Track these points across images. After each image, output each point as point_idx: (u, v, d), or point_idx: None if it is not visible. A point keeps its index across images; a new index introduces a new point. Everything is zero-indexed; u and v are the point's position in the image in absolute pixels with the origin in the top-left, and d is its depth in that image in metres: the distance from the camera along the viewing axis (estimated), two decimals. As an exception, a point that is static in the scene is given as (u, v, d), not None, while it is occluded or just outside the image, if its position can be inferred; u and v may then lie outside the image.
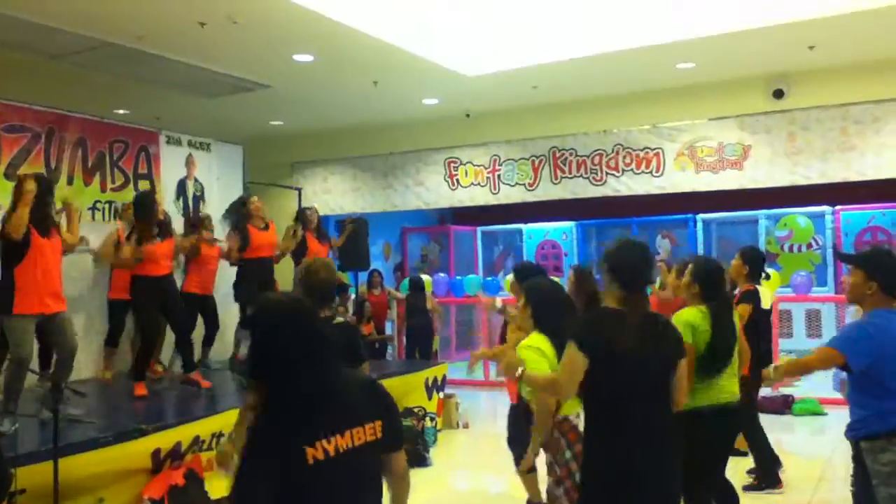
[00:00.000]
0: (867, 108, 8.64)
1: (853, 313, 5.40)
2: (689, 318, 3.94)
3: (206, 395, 6.31)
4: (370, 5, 6.85)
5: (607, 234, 13.84)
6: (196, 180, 8.80)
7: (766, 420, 5.98)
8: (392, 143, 11.44)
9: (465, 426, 8.09)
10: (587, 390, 2.98)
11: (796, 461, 6.23)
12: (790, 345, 10.27)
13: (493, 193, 10.89)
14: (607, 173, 10.08)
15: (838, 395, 6.87)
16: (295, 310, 2.22)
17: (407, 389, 7.38)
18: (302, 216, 8.39)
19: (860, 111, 8.67)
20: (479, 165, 10.95)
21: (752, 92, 9.15)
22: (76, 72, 7.97)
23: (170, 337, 6.86)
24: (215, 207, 8.83)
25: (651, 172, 9.83)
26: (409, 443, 6.57)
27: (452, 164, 11.13)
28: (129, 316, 7.18)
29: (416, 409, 7.22)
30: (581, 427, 3.34)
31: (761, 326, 5.61)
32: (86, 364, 7.09)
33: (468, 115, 10.75)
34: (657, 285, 6.81)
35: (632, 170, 9.94)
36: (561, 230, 13.36)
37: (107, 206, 7.71)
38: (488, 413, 8.92)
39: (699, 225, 12.30)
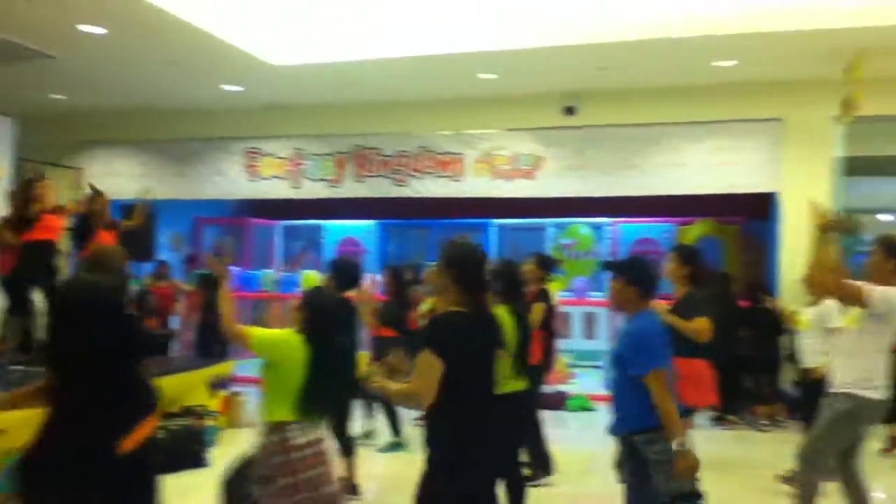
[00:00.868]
0: (649, 130, 9.38)
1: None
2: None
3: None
4: (168, -21, 6.47)
5: (408, 235, 14.07)
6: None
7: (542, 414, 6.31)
8: (189, 129, 10.86)
9: (251, 425, 7.84)
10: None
11: (568, 454, 6.62)
12: (569, 345, 11.03)
13: (295, 188, 10.66)
14: (410, 175, 10.22)
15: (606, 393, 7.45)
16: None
17: (189, 387, 7.09)
18: (91, 202, 7.74)
19: (642, 132, 9.40)
20: (281, 158, 10.68)
21: (546, 107, 9.63)
22: None
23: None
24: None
25: (451, 177, 10.09)
26: (187, 443, 6.29)
27: (253, 155, 10.76)
28: None
29: (196, 408, 6.91)
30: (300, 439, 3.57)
31: (550, 323, 6.08)
32: None
33: (272, 106, 10.45)
34: None
35: (433, 173, 10.14)
36: (362, 228, 13.38)
37: None
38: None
39: (494, 230, 12.83)
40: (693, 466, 3.52)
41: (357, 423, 6.07)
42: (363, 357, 6.24)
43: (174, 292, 10.20)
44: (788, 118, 8.89)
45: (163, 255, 11.24)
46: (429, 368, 2.97)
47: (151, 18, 7.05)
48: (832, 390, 4.38)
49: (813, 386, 6.06)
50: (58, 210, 7.21)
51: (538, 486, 5.67)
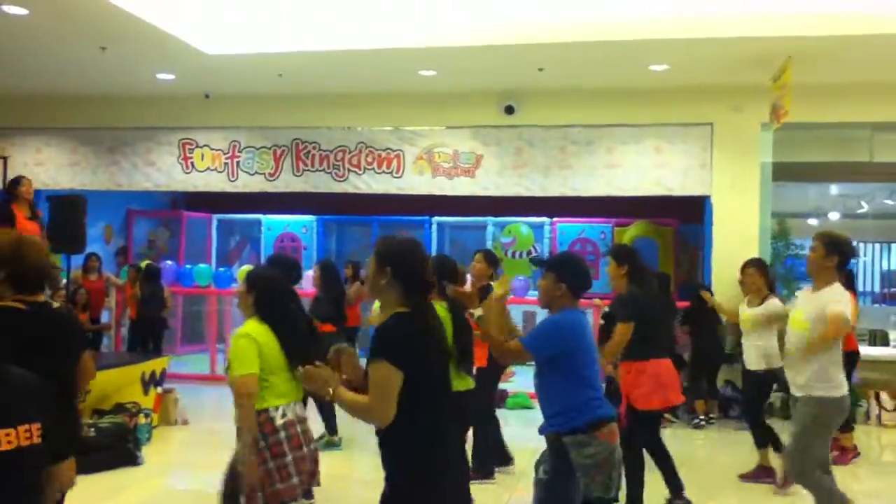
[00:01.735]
0: (584, 131, 9.51)
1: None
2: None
3: None
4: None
5: (347, 231, 13.99)
6: None
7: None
8: (120, 117, 10.56)
9: (185, 423, 7.69)
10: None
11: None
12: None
13: (231, 180, 10.47)
14: (349, 170, 10.14)
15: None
16: None
17: (121, 384, 6.93)
18: (13, 187, 7.49)
19: (578, 133, 9.53)
20: (216, 150, 10.47)
21: (486, 105, 9.68)
22: None
23: None
24: None
25: (392, 173, 10.05)
26: (119, 440, 6.18)
27: (188, 146, 10.53)
28: None
29: (128, 405, 6.76)
30: (278, 420, 3.54)
31: None
32: None
33: (207, 96, 10.23)
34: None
35: (373, 169, 10.09)
36: (301, 223, 13.22)
37: None
38: (211, 409, 8.56)
39: (434, 227, 12.84)
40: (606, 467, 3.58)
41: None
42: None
43: (105, 286, 9.92)
44: (718, 123, 9.12)
45: (93, 247, 10.91)
46: (386, 380, 2.65)
47: (79, 0, 6.81)
48: (796, 394, 4.43)
49: (752, 386, 6.22)
50: None
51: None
